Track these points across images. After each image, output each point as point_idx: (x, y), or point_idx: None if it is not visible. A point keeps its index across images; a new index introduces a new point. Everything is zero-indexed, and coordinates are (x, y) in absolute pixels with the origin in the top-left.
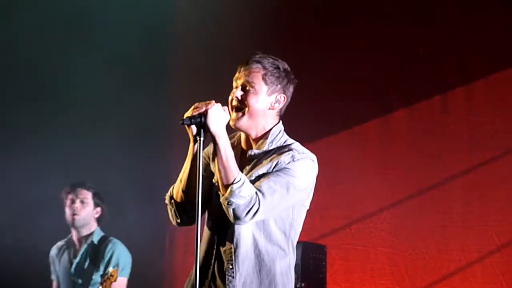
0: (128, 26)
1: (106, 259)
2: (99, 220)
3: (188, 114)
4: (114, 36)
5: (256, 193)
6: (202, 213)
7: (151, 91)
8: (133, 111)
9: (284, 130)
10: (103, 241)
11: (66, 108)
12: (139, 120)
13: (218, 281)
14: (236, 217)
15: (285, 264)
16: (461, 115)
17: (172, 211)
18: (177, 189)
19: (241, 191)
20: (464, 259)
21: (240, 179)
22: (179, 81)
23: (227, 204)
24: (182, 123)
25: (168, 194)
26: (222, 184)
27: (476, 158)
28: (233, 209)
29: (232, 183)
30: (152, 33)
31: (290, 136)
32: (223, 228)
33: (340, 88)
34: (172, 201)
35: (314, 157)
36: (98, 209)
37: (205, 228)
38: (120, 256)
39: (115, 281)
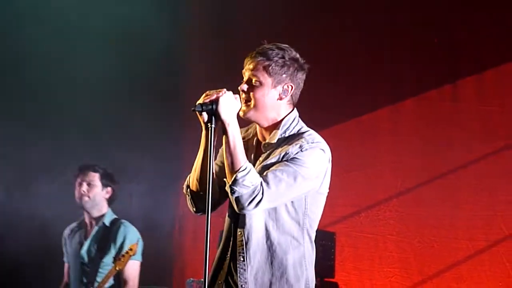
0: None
1: (119, 242)
2: (110, 201)
3: (199, 101)
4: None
5: (261, 182)
6: (223, 201)
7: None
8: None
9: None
10: (115, 223)
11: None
12: (151, 105)
13: (233, 270)
14: (239, 206)
15: (298, 255)
16: (472, 104)
17: (189, 200)
18: (192, 178)
19: (245, 180)
20: (472, 247)
21: (246, 168)
22: (191, 70)
23: (231, 192)
24: (194, 110)
25: (185, 183)
26: (228, 171)
27: (485, 147)
28: (236, 198)
29: (237, 171)
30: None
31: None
32: (237, 219)
33: (350, 76)
34: (188, 190)
35: (325, 146)
36: (109, 189)
37: (226, 217)
38: (133, 240)
39: (134, 254)
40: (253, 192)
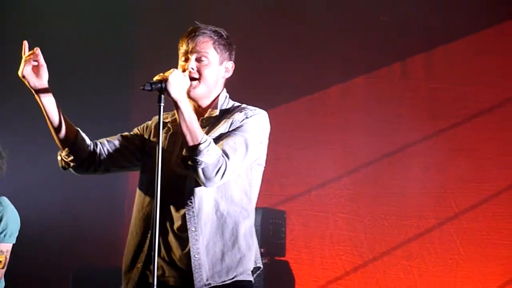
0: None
1: None
2: None
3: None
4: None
5: (222, 154)
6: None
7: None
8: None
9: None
10: None
11: None
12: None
13: (175, 245)
14: (207, 178)
15: (248, 224)
16: (421, 82)
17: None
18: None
19: (209, 150)
20: (422, 225)
21: (207, 139)
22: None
23: (197, 163)
24: (143, 89)
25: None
26: (189, 146)
27: (435, 125)
28: (203, 169)
29: (200, 143)
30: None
31: (250, 102)
32: (178, 193)
33: (300, 54)
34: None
35: (265, 113)
36: None
37: (147, 194)
38: (9, 221)
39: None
40: (218, 162)
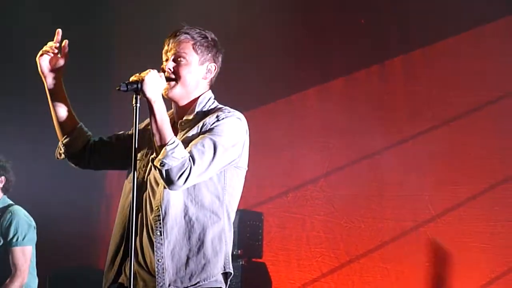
0: None
1: (4, 229)
2: (4, 189)
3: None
4: None
5: (188, 158)
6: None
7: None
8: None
9: (214, 98)
10: (5, 210)
11: None
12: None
13: (147, 249)
14: (170, 181)
15: (218, 229)
16: (399, 85)
17: (63, 155)
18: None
19: (174, 152)
20: (399, 228)
21: (174, 141)
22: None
23: (160, 165)
24: (119, 89)
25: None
26: (156, 147)
27: (413, 128)
28: (167, 172)
29: (166, 145)
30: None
31: (228, 104)
32: (153, 196)
33: (279, 56)
34: (63, 148)
35: (240, 115)
36: (2, 178)
37: (128, 196)
38: (19, 225)
39: None
40: (183, 165)
